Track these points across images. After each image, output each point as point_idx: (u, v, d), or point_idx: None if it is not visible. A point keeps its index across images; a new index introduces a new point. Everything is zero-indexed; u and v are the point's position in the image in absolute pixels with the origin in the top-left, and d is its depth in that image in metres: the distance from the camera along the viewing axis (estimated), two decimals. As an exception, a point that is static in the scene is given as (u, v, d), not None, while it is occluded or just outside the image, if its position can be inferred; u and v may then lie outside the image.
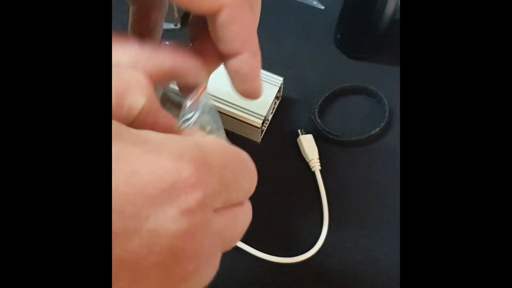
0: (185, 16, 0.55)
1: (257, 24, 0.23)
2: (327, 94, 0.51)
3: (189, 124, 0.22)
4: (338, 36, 0.54)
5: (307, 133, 0.49)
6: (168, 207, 0.15)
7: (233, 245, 0.23)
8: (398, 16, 0.51)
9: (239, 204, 0.19)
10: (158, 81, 0.21)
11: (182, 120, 0.22)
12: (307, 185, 0.47)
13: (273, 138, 0.50)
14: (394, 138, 0.50)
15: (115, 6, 0.46)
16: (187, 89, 0.23)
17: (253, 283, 0.43)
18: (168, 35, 0.55)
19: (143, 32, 0.26)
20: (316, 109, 0.50)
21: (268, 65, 0.48)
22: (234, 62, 0.22)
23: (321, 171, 0.47)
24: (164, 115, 0.19)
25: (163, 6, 0.26)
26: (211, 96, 0.42)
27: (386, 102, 0.50)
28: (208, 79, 0.24)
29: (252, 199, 0.22)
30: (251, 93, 0.24)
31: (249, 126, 0.46)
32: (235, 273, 0.43)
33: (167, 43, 0.23)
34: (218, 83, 0.33)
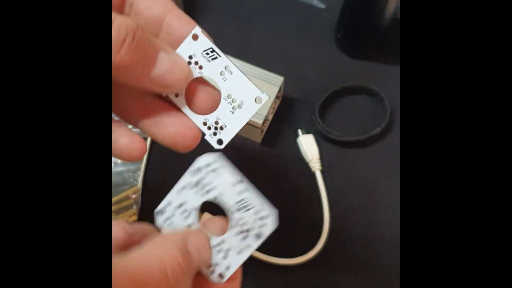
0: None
1: None
2: (327, 94, 0.50)
3: None
4: (339, 36, 0.54)
5: (307, 133, 0.49)
6: None
7: None
8: (399, 15, 0.51)
9: None
10: None
11: None
12: (307, 185, 0.47)
13: (273, 138, 0.50)
14: (395, 138, 0.49)
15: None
16: None
17: (253, 284, 0.43)
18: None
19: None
20: (317, 109, 0.49)
21: (268, 65, 0.48)
22: None
23: (321, 171, 0.47)
24: None
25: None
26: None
27: (387, 102, 0.50)
28: None
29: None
30: None
31: (249, 125, 0.46)
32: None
33: None
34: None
